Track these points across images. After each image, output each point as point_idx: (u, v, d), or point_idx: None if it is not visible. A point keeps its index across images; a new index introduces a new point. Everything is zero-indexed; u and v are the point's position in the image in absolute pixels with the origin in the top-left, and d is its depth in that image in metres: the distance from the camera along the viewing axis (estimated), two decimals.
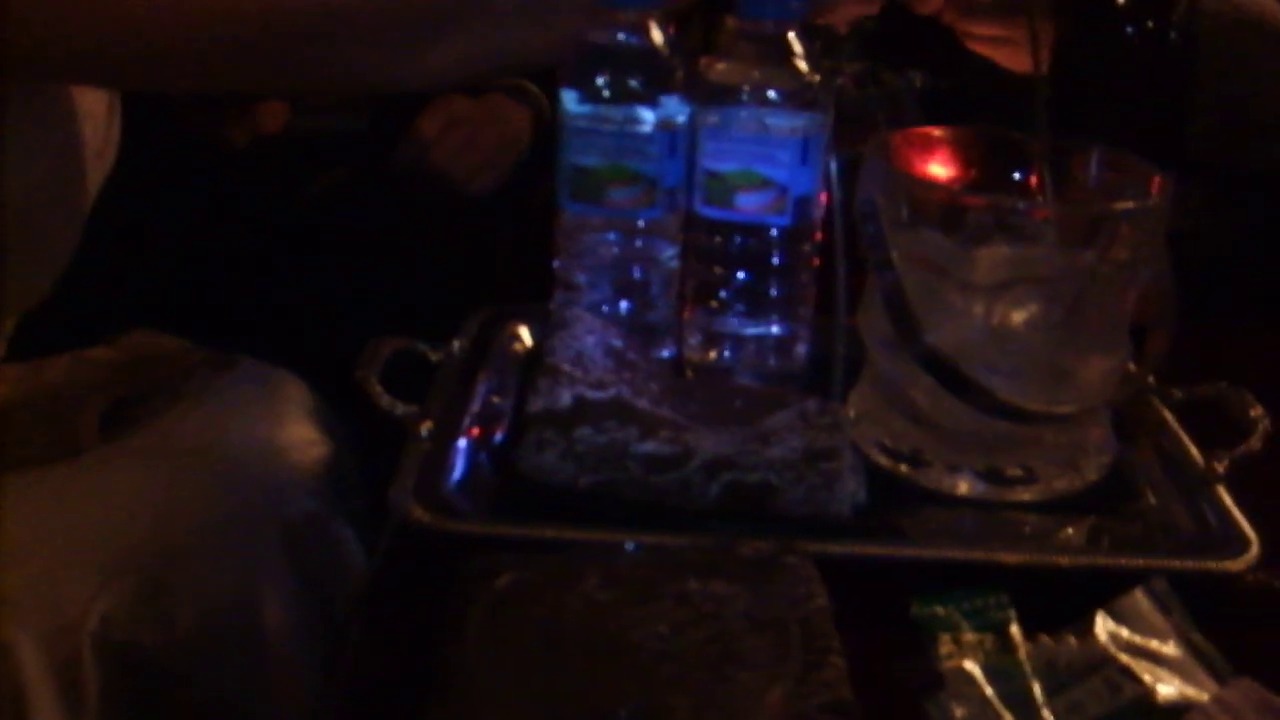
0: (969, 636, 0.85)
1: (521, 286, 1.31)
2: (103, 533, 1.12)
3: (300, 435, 1.29)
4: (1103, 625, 0.87)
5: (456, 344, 1.17)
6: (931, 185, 1.11)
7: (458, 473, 1.03)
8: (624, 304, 1.16)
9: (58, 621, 1.07)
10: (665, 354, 1.17)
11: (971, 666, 0.83)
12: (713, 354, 1.17)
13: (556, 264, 1.16)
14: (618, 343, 1.07)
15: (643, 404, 1.01)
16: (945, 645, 0.85)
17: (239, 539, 1.17)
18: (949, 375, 1.03)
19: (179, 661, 1.12)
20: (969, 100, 1.94)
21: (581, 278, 1.15)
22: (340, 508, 1.27)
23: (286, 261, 1.64)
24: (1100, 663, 0.85)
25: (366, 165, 1.74)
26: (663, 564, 0.87)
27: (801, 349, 1.18)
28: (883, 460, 1.08)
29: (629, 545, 0.89)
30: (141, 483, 1.17)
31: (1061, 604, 0.89)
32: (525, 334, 1.22)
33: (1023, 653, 0.85)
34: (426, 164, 1.68)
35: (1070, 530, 1.04)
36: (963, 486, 1.06)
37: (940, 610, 0.87)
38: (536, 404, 1.00)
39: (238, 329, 1.38)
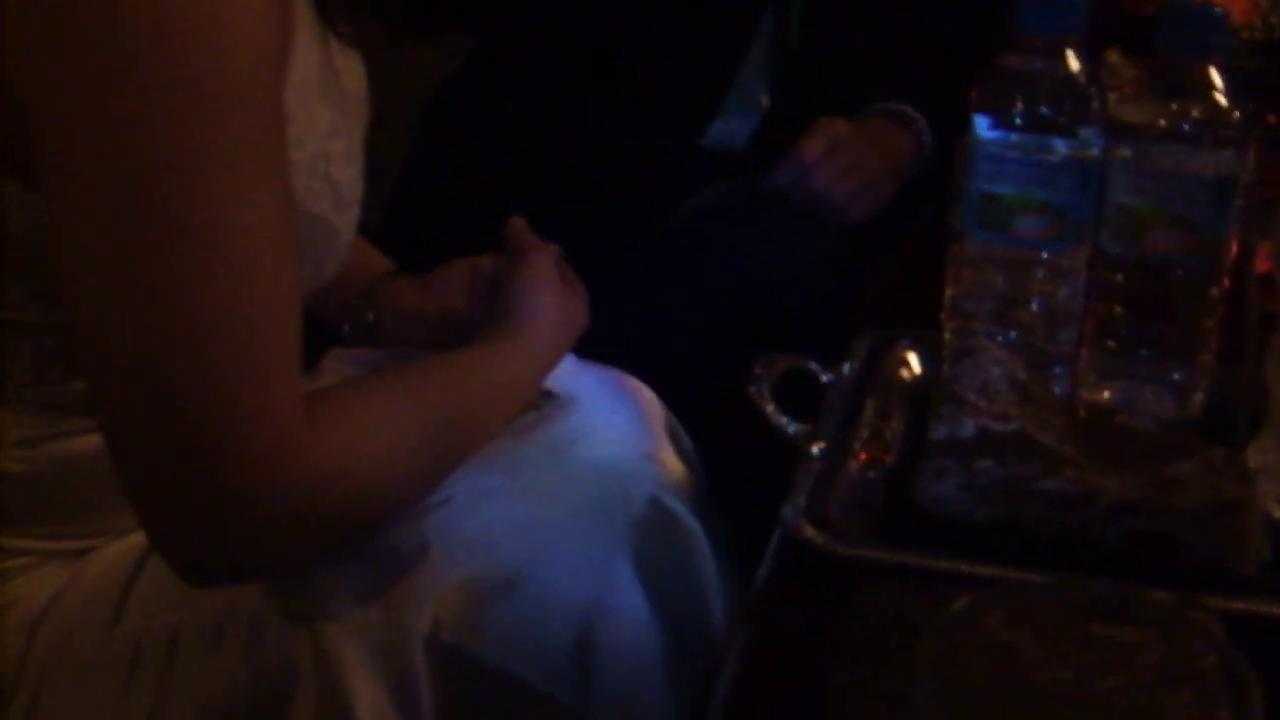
0: None
1: (897, 312, 1.29)
2: (437, 527, 1.08)
3: (657, 444, 1.27)
4: None
5: (846, 366, 1.16)
6: None
7: (847, 495, 1.02)
8: (1016, 336, 1.13)
9: (389, 629, 1.05)
10: (1056, 390, 1.14)
11: None
12: (1107, 394, 1.14)
13: (952, 292, 1.14)
14: (1023, 375, 1.05)
15: (1046, 440, 0.99)
16: None
17: (587, 537, 1.12)
18: None
19: (514, 668, 1.08)
20: None
21: (977, 307, 1.13)
22: (696, 517, 1.24)
23: (660, 274, 1.65)
24: None
25: (745, 183, 1.75)
26: (1065, 605, 0.85)
27: (1199, 397, 1.13)
28: None
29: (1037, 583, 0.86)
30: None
31: None
32: (914, 360, 1.20)
33: None
34: (807, 186, 1.68)
35: None
36: None
37: None
38: (939, 431, 0.98)
39: (601, 338, 1.38)
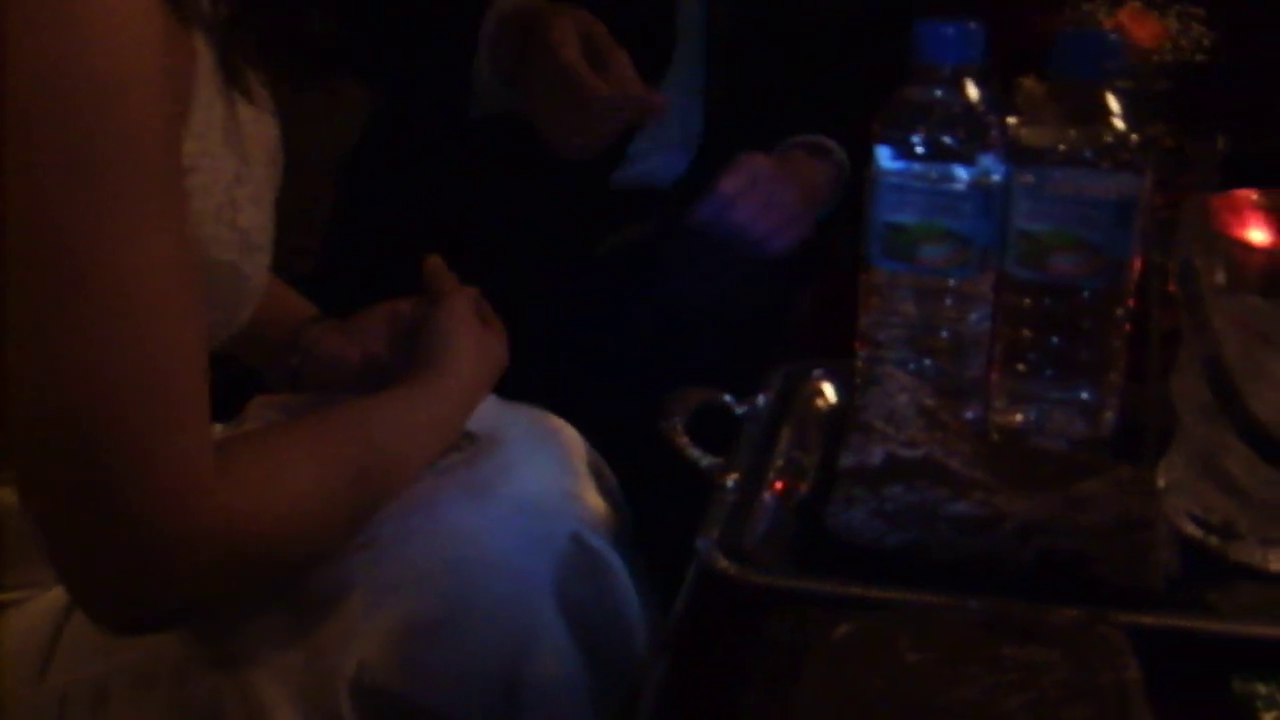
0: None
1: (820, 342, 1.30)
2: (360, 569, 1.08)
3: (579, 482, 1.27)
4: None
5: (760, 398, 1.17)
6: (1254, 249, 1.07)
7: (761, 525, 1.03)
8: (930, 363, 1.15)
9: (314, 673, 1.05)
10: (970, 415, 1.16)
11: None
12: (1018, 416, 1.15)
13: (863, 321, 1.16)
14: (930, 402, 1.07)
15: (954, 464, 1.00)
16: None
17: (511, 577, 1.12)
18: (1268, 446, 0.99)
19: (442, 709, 1.08)
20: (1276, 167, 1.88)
21: (888, 336, 1.15)
22: (618, 554, 1.24)
23: (581, 312, 1.66)
24: None
25: (667, 221, 1.76)
26: (974, 627, 0.86)
27: (1109, 415, 1.15)
28: (1193, 531, 1.05)
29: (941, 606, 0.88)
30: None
31: None
32: (829, 390, 1.22)
33: None
34: (727, 221, 1.69)
35: None
36: (1275, 562, 1.02)
37: (1262, 688, 0.84)
38: (848, 460, 1.00)
39: (523, 377, 1.39)
